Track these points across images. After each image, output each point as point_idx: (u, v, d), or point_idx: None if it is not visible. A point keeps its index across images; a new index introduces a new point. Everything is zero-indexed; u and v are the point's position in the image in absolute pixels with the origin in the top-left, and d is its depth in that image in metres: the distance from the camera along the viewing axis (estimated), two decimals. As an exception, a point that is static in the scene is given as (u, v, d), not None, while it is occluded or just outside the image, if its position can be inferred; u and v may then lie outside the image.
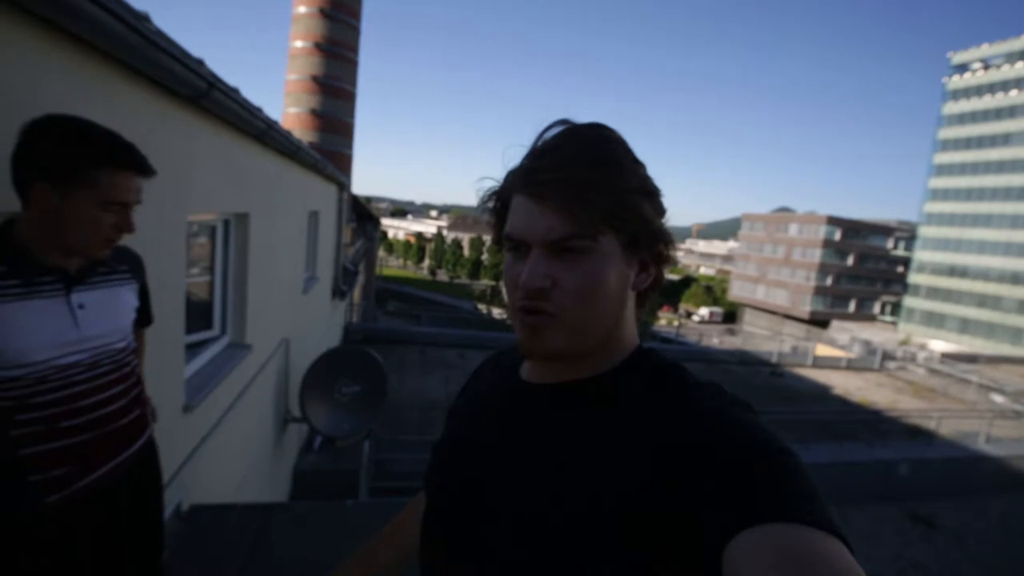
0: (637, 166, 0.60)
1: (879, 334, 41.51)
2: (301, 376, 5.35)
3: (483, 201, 0.67)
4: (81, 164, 1.10)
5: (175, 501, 2.64)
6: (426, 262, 76.76)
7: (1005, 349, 37.91)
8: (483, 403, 0.73)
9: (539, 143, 0.61)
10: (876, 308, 54.12)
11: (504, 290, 0.62)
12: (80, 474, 1.23)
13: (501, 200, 0.64)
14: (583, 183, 0.55)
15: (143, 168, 1.20)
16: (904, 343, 38.17)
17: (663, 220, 0.62)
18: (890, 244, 54.24)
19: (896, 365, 25.32)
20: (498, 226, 0.65)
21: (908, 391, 21.32)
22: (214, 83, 2.28)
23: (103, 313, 1.27)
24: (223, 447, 3.35)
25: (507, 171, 0.63)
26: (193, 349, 3.12)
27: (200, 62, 2.19)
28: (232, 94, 2.57)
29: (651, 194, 0.60)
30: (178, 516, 2.67)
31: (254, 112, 3.02)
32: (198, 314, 3.33)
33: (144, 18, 1.71)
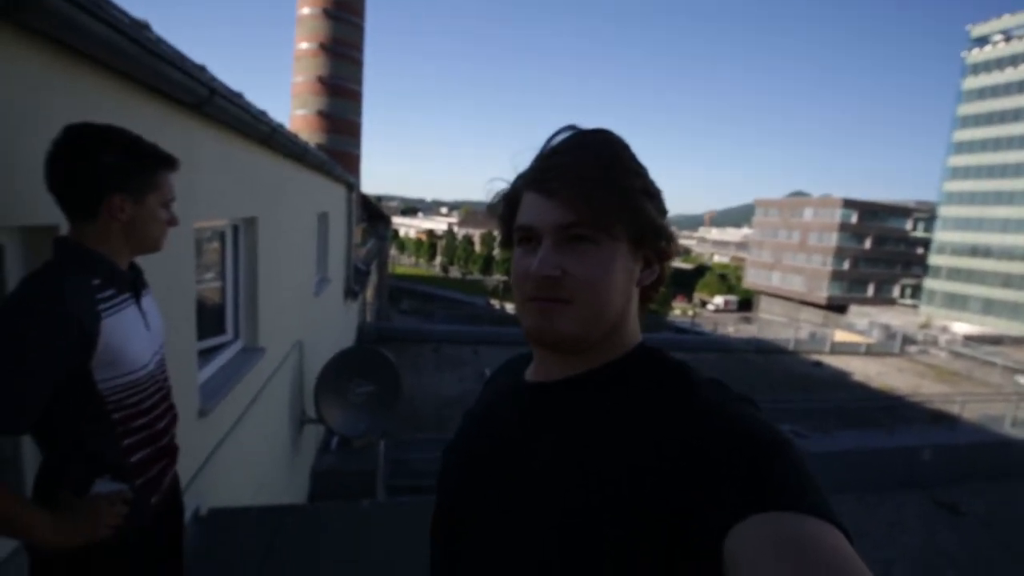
0: (639, 167, 0.63)
1: (899, 318, 40.74)
2: (316, 378, 5.40)
3: (493, 204, 0.70)
4: (150, 170, 1.17)
5: (193, 505, 2.68)
6: (438, 259, 77.05)
7: (1031, 330, 37.00)
8: (490, 407, 0.76)
9: (548, 147, 0.64)
10: (895, 291, 53.07)
11: (513, 284, 0.64)
12: (165, 472, 1.31)
13: (510, 201, 0.67)
14: (590, 180, 0.59)
15: (177, 165, 1.27)
16: (925, 326, 37.44)
17: (664, 220, 0.65)
18: (909, 225, 53.07)
19: (917, 349, 24.87)
20: (507, 227, 0.68)
21: (930, 375, 20.94)
22: (216, 89, 2.28)
23: (155, 317, 1.32)
24: (240, 450, 3.39)
25: (516, 175, 0.67)
26: (206, 354, 3.16)
27: (202, 68, 2.19)
28: (235, 99, 2.58)
29: (653, 195, 0.63)
30: (196, 520, 2.70)
31: (258, 116, 3.03)
32: (211, 319, 3.37)
33: (144, 26, 1.71)
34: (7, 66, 1.31)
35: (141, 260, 1.33)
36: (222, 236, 3.52)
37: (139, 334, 1.19)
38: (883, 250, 51.47)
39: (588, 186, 0.58)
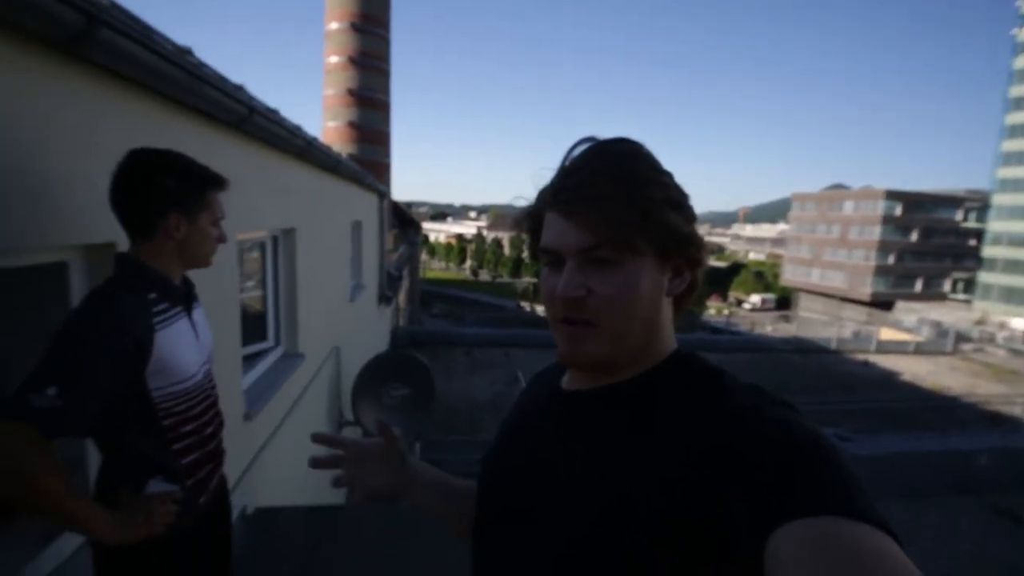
0: (661, 176, 0.62)
1: (951, 314, 38.65)
2: (352, 381, 5.54)
3: (517, 221, 0.70)
4: (203, 191, 1.27)
5: (240, 505, 2.80)
6: (468, 263, 77.61)
7: (1100, 324, 34.45)
8: (527, 414, 0.76)
9: (566, 162, 0.63)
10: (946, 286, 50.35)
11: (544, 304, 0.65)
12: (213, 474, 1.40)
13: (534, 218, 0.67)
14: (608, 199, 0.58)
15: (227, 185, 1.37)
16: (980, 323, 35.41)
17: (692, 226, 0.63)
18: (959, 216, 50.30)
19: (972, 347, 23.56)
20: (533, 242, 0.68)
21: (987, 375, 19.78)
22: (254, 107, 2.39)
23: (205, 329, 1.41)
24: (282, 452, 3.52)
25: (539, 190, 0.66)
26: (250, 360, 3.29)
27: (239, 87, 2.30)
28: (272, 116, 2.69)
29: (677, 203, 0.62)
30: (243, 518, 2.82)
31: (294, 131, 3.15)
32: (253, 326, 3.51)
33: (187, 52, 1.81)
34: (69, 96, 1.41)
35: (191, 271, 1.42)
36: (262, 246, 3.66)
37: (189, 346, 1.27)
38: (931, 243, 48.93)
39: (606, 206, 0.58)
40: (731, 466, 0.49)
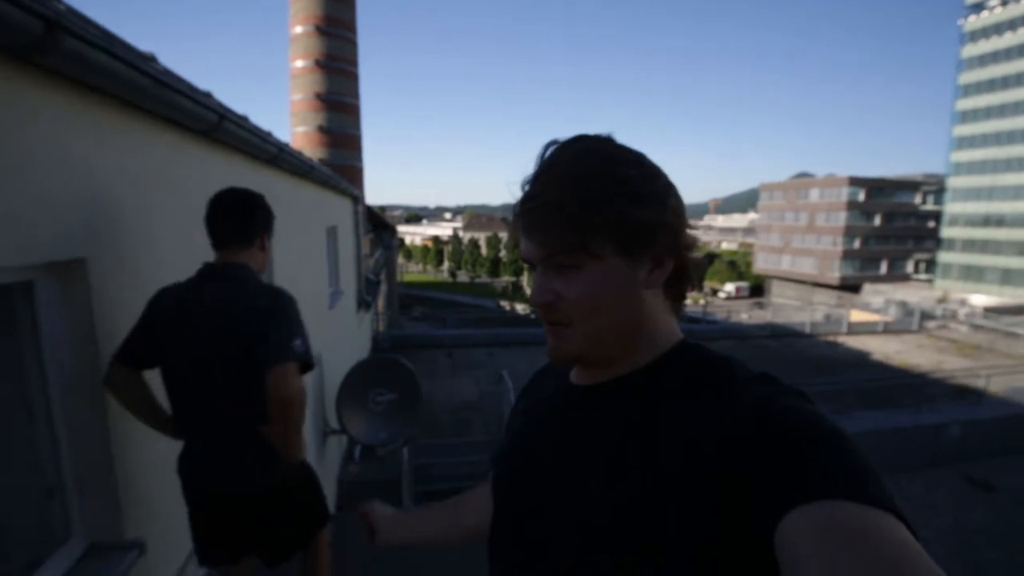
0: (618, 169, 0.60)
1: (915, 294, 40.16)
2: (336, 389, 5.45)
3: (510, 237, 0.73)
4: (273, 220, 1.84)
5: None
6: (445, 264, 77.22)
7: (1052, 297, 36.27)
8: (538, 409, 0.76)
9: (528, 176, 0.64)
10: (909, 267, 52.30)
11: None
12: None
13: (515, 227, 0.68)
14: (555, 207, 0.59)
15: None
16: (943, 301, 36.85)
17: (663, 213, 0.61)
18: (918, 199, 52.28)
19: (936, 324, 24.49)
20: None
21: (952, 350, 20.61)
22: (224, 114, 2.33)
23: None
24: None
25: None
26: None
27: (208, 95, 2.24)
28: (242, 123, 2.62)
29: (636, 193, 0.59)
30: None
31: (265, 138, 3.07)
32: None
33: (151, 59, 1.75)
34: (30, 109, 1.35)
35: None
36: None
37: None
38: (893, 226, 50.76)
39: (552, 216, 0.59)
40: (741, 454, 0.49)
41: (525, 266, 0.69)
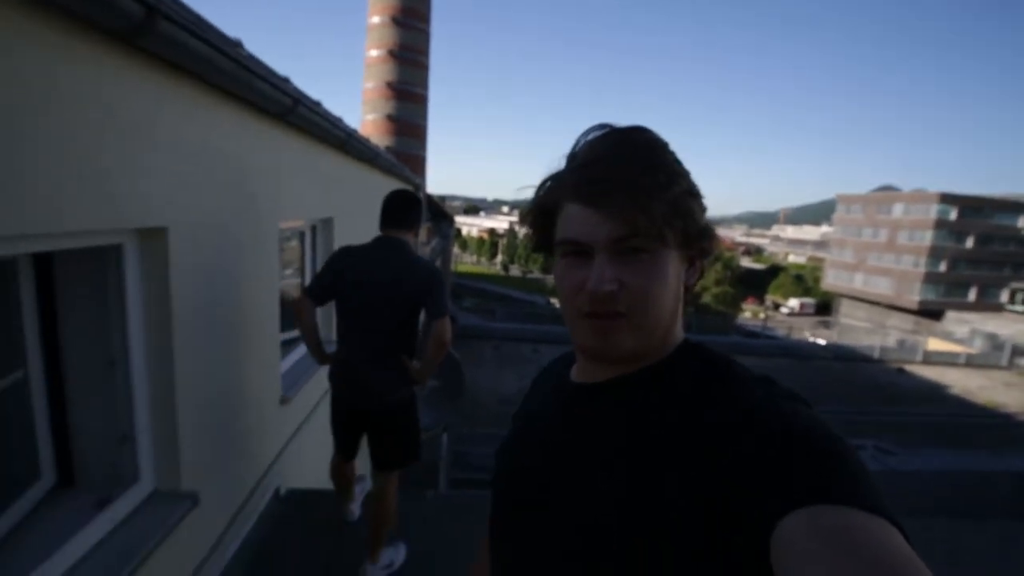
0: (682, 168, 0.62)
1: (1008, 326, 36.39)
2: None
3: (523, 216, 0.68)
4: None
5: (274, 485, 2.89)
6: (499, 257, 77.86)
7: None
8: (538, 408, 0.77)
9: (586, 150, 0.62)
10: (1003, 296, 47.44)
11: (562, 299, 0.63)
12: None
13: (544, 209, 0.65)
14: (642, 189, 0.57)
15: None
16: (1040, 336, 33.20)
17: (706, 218, 0.64)
18: (1021, 222, 47.28)
19: (1030, 361, 22.14)
20: (542, 235, 0.66)
21: (1046, 391, 18.56)
22: (299, 99, 2.45)
23: None
24: (315, 436, 3.62)
25: (548, 179, 0.64)
26: (287, 346, 3.39)
27: (286, 80, 2.36)
28: (315, 108, 2.75)
29: (696, 195, 0.62)
30: (276, 498, 2.91)
31: (335, 123, 3.21)
32: (290, 313, 3.61)
33: (237, 44, 1.86)
34: (130, 87, 1.47)
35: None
36: (301, 235, 3.76)
37: None
38: (989, 250, 46.16)
39: (641, 196, 0.57)
40: (741, 456, 0.49)
41: (552, 255, 0.65)
